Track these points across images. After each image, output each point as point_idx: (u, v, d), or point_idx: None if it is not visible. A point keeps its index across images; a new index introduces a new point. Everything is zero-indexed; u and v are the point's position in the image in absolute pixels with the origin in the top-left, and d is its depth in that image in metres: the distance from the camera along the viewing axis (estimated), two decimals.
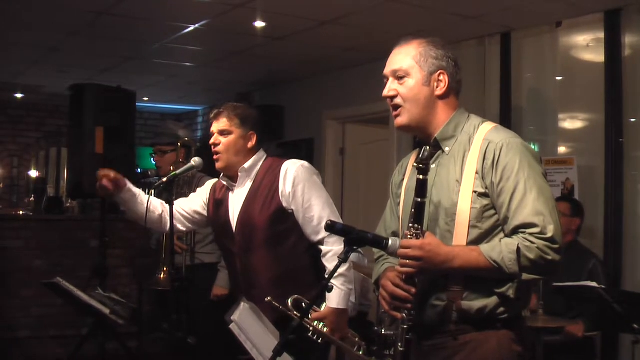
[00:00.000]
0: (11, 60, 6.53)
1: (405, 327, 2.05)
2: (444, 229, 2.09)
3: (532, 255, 1.97)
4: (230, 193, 3.11)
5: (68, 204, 7.91)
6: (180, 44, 5.74)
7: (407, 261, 2.02)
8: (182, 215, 3.23)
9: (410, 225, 2.04)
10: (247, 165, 3.06)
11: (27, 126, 9.36)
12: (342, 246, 2.17)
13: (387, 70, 2.22)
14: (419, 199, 2.03)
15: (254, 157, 3.09)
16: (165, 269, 4.01)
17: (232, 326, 2.52)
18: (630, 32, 4.48)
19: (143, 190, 3.22)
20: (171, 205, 2.98)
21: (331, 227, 2.13)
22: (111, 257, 5.32)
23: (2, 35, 5.59)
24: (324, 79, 6.93)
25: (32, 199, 8.65)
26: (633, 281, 4.31)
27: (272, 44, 5.70)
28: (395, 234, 2.30)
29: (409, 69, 2.18)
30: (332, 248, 2.92)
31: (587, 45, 4.75)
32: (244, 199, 3.05)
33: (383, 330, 3.90)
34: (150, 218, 3.13)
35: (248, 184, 3.07)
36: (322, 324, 2.89)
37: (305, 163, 3.06)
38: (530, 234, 1.98)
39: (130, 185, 3.12)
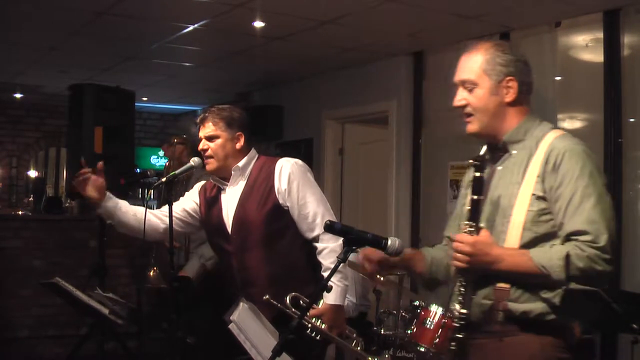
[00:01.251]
0: (11, 60, 6.53)
1: (456, 325, 2.08)
2: (499, 229, 2.11)
3: (582, 263, 1.95)
4: (222, 193, 3.11)
5: (67, 204, 7.90)
6: (179, 43, 5.73)
7: (458, 255, 2.05)
8: (178, 218, 3.21)
9: (466, 222, 2.07)
10: (240, 164, 3.08)
11: (27, 126, 9.35)
12: (338, 242, 2.18)
13: (457, 79, 2.23)
14: (475, 196, 2.07)
15: (247, 156, 3.11)
16: (155, 267, 4.01)
17: (231, 326, 2.52)
18: (629, 32, 4.48)
19: (142, 190, 3.23)
20: (170, 205, 2.98)
21: (330, 227, 2.12)
22: (110, 257, 5.33)
23: (2, 35, 5.59)
24: (324, 79, 6.93)
25: (31, 199, 8.65)
26: (632, 281, 4.31)
27: (271, 44, 5.70)
28: None
29: (477, 79, 2.18)
30: (328, 245, 2.94)
31: (586, 45, 4.75)
32: (238, 198, 3.05)
33: (382, 330, 3.92)
34: (154, 233, 3.11)
35: (241, 183, 3.08)
36: (319, 320, 2.90)
37: (299, 160, 3.09)
38: (582, 241, 1.97)
39: (110, 194, 3.07)
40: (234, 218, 3.04)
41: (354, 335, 3.04)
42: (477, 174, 2.07)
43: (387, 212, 6.06)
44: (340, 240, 2.25)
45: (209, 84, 7.74)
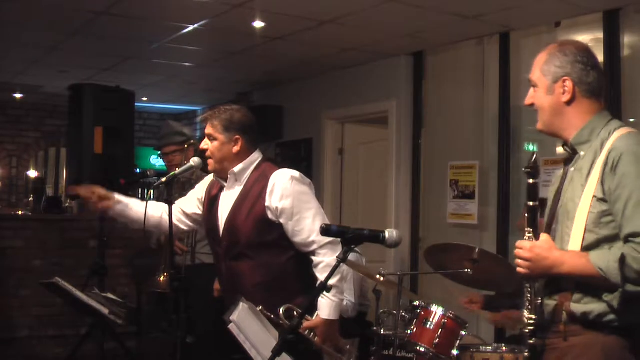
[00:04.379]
0: (11, 60, 6.53)
1: (526, 331, 2.11)
2: (564, 231, 2.13)
3: (637, 266, 1.95)
4: (223, 193, 3.09)
5: (67, 204, 7.90)
6: (179, 43, 5.73)
7: (519, 261, 2.09)
8: (182, 214, 3.22)
9: (526, 228, 2.11)
10: (236, 169, 3.01)
11: (26, 126, 9.35)
12: (334, 257, 2.16)
13: (529, 77, 2.31)
14: (530, 203, 2.10)
15: (245, 161, 3.01)
16: (165, 272, 4.00)
17: (231, 326, 2.52)
18: (629, 32, 4.48)
19: (142, 190, 3.24)
20: (170, 205, 2.97)
21: (327, 231, 2.12)
22: (110, 257, 5.32)
23: (2, 35, 5.59)
24: (324, 79, 6.93)
25: (31, 199, 8.64)
26: None
27: (271, 44, 5.70)
28: None
29: (537, 80, 2.26)
30: (324, 259, 2.88)
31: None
32: (232, 204, 3.01)
33: (382, 330, 3.92)
34: (149, 221, 3.13)
35: (237, 189, 3.02)
36: (312, 332, 2.89)
37: (296, 173, 2.98)
38: (638, 244, 1.97)
39: (118, 197, 3.15)
40: (225, 223, 3.01)
41: (348, 347, 3.03)
42: (531, 181, 2.11)
43: (387, 212, 6.06)
44: (335, 255, 2.25)
45: (209, 84, 7.74)
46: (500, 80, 5.23)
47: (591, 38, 4.67)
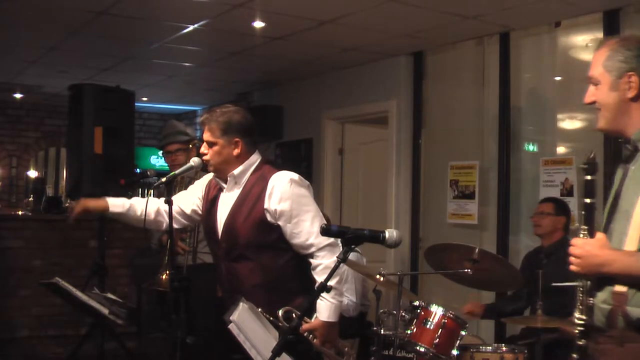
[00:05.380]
0: (10, 60, 6.53)
1: (577, 332, 2.06)
2: (620, 231, 2.08)
3: None
4: (222, 193, 3.09)
5: (67, 204, 7.89)
6: (179, 43, 5.73)
7: (572, 258, 2.06)
8: (180, 212, 3.22)
9: (583, 226, 2.08)
10: (236, 172, 2.99)
11: (26, 126, 9.35)
12: (333, 259, 2.16)
13: (588, 75, 2.22)
14: (588, 200, 2.06)
15: (245, 163, 3.00)
16: (167, 270, 4.00)
17: (231, 326, 2.52)
18: (629, 32, 4.47)
19: (142, 190, 3.25)
20: (170, 205, 2.97)
21: (326, 231, 2.12)
22: (110, 257, 5.33)
23: (2, 35, 5.59)
24: (324, 79, 6.93)
25: (31, 199, 8.63)
26: None
27: (271, 44, 5.70)
28: None
29: (599, 76, 2.17)
30: (322, 262, 2.88)
31: (586, 45, 4.76)
32: (231, 205, 3.01)
33: (382, 330, 3.92)
34: (153, 221, 3.19)
35: (236, 191, 3.01)
36: (311, 335, 2.89)
37: (295, 176, 2.97)
38: None
39: (112, 202, 3.20)
40: (224, 225, 3.01)
41: (346, 349, 3.03)
42: (588, 177, 2.06)
43: (387, 212, 6.06)
44: (335, 257, 2.25)
45: (209, 84, 7.74)
46: (500, 80, 5.22)
47: (591, 38, 4.67)
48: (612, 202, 2.14)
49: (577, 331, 2.07)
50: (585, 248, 2.03)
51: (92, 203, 3.24)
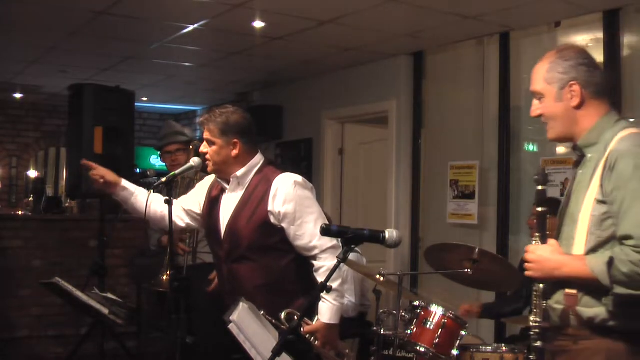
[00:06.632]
0: (10, 60, 6.53)
1: (532, 334, 2.14)
2: (568, 234, 2.16)
3: (625, 268, 1.95)
4: (224, 195, 3.09)
5: (67, 204, 7.90)
6: (179, 43, 5.73)
7: (526, 263, 2.16)
8: (182, 212, 3.22)
9: (536, 233, 2.18)
10: (239, 173, 3.00)
11: (26, 126, 9.35)
12: (335, 261, 2.16)
13: (531, 90, 2.31)
14: (539, 209, 2.16)
15: (247, 164, 3.01)
16: (168, 270, 4.00)
17: (231, 326, 2.52)
18: (629, 32, 4.48)
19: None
20: (170, 205, 2.97)
21: (327, 231, 2.12)
22: (110, 257, 5.32)
23: (2, 35, 5.59)
24: (324, 79, 6.93)
25: (31, 199, 8.64)
26: None
27: (271, 44, 5.70)
28: None
29: (542, 90, 2.26)
30: (325, 264, 2.89)
31: (586, 45, 4.75)
32: (234, 207, 3.01)
33: (382, 330, 3.92)
34: (154, 215, 3.19)
35: (239, 192, 3.02)
36: (312, 337, 2.89)
37: (299, 178, 2.98)
38: (628, 246, 1.97)
39: (125, 183, 3.20)
40: (226, 226, 3.01)
41: (347, 351, 3.03)
42: (540, 188, 2.17)
43: (387, 213, 6.06)
44: (336, 260, 2.26)
45: (209, 84, 7.74)
46: (500, 80, 5.23)
47: (591, 38, 4.67)
48: (563, 206, 2.23)
49: (532, 333, 2.15)
50: (537, 254, 2.14)
51: (110, 175, 3.21)
